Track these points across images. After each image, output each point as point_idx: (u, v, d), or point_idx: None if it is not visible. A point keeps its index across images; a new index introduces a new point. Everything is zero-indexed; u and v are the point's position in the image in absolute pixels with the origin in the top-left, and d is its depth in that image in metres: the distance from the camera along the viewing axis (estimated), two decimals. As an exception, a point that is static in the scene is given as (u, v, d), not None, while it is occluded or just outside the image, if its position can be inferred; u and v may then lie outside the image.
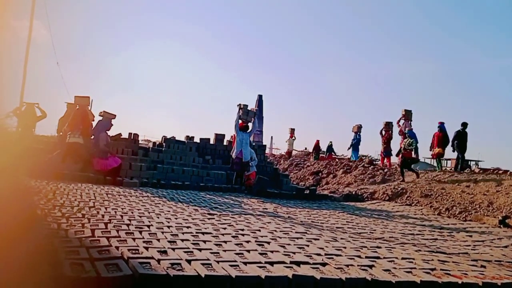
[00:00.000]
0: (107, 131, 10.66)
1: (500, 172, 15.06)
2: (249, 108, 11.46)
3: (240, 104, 11.22)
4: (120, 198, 6.98)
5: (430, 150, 15.02)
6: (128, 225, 4.64)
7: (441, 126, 14.66)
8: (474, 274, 3.79)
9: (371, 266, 3.76)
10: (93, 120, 11.19)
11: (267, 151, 20.42)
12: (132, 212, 5.59)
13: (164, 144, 12.23)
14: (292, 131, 24.53)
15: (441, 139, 14.41)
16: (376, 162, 18.34)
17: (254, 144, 14.23)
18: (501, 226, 7.72)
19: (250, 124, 11.35)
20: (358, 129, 19.10)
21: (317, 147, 23.58)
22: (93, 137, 10.37)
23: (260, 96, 27.14)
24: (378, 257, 4.21)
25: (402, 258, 4.25)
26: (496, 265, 4.42)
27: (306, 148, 30.67)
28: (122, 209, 5.81)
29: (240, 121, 11.20)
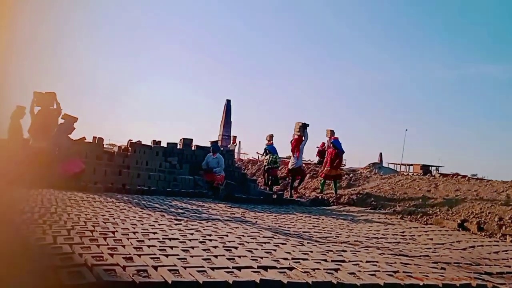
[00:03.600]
0: (69, 135, 10.36)
1: (459, 177, 15.71)
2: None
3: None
4: (84, 204, 6.79)
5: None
6: (92, 231, 4.52)
7: (335, 142, 12.82)
8: (434, 276, 3.93)
9: (336, 270, 3.83)
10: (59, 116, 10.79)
11: (235, 156, 20.50)
12: (96, 218, 5.45)
13: (130, 148, 12.00)
14: (234, 138, 25.16)
15: (334, 157, 12.41)
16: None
17: (222, 149, 14.21)
18: (460, 229, 8.03)
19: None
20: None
21: (322, 151, 19.74)
22: (54, 140, 10.06)
23: (228, 101, 27.15)
24: (343, 261, 4.30)
25: (367, 261, 4.35)
26: (455, 267, 4.60)
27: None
28: (86, 215, 5.65)
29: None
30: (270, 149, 13.06)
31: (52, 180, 8.98)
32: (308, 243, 5.25)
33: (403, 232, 7.23)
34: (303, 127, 12.50)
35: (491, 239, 7.27)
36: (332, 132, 16.98)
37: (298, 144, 12.40)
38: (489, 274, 4.40)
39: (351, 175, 14.77)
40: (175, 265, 3.36)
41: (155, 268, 3.22)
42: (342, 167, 13.24)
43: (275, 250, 4.50)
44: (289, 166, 12.68)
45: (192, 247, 4.23)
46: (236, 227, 5.97)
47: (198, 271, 3.25)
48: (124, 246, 3.93)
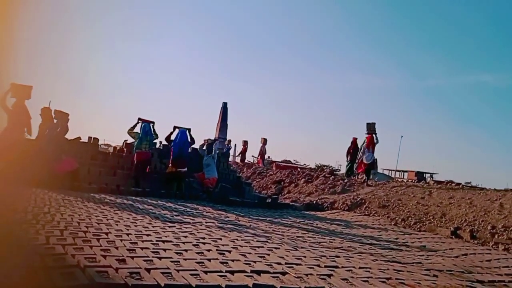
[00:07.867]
0: (63, 133, 10.27)
1: (453, 184, 15.77)
2: None
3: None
4: (77, 204, 6.76)
5: None
6: (85, 232, 4.50)
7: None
8: (427, 283, 3.95)
9: (329, 275, 3.83)
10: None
11: (230, 159, 20.52)
12: (89, 219, 5.43)
13: (125, 149, 11.96)
14: (229, 141, 25.42)
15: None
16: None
17: (217, 151, 14.19)
18: (453, 237, 8.06)
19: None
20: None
21: (355, 148, 15.74)
22: (47, 139, 9.98)
23: (225, 104, 27.11)
24: (336, 266, 4.30)
25: (360, 267, 4.36)
26: (447, 274, 4.61)
27: (269, 157, 30.89)
28: (79, 215, 5.63)
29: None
30: (143, 128, 10.77)
31: (46, 179, 8.90)
32: (301, 248, 5.25)
33: (396, 238, 7.25)
34: (372, 126, 14.59)
35: (483, 247, 7.31)
36: (265, 140, 20.01)
37: (371, 142, 14.40)
38: (481, 282, 4.42)
39: (346, 180, 14.80)
40: (168, 268, 3.35)
41: (148, 270, 3.21)
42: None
43: (268, 255, 4.50)
44: (365, 161, 14.57)
45: (186, 250, 4.22)
46: (230, 231, 5.96)
47: (191, 275, 3.25)
48: (117, 248, 3.92)
